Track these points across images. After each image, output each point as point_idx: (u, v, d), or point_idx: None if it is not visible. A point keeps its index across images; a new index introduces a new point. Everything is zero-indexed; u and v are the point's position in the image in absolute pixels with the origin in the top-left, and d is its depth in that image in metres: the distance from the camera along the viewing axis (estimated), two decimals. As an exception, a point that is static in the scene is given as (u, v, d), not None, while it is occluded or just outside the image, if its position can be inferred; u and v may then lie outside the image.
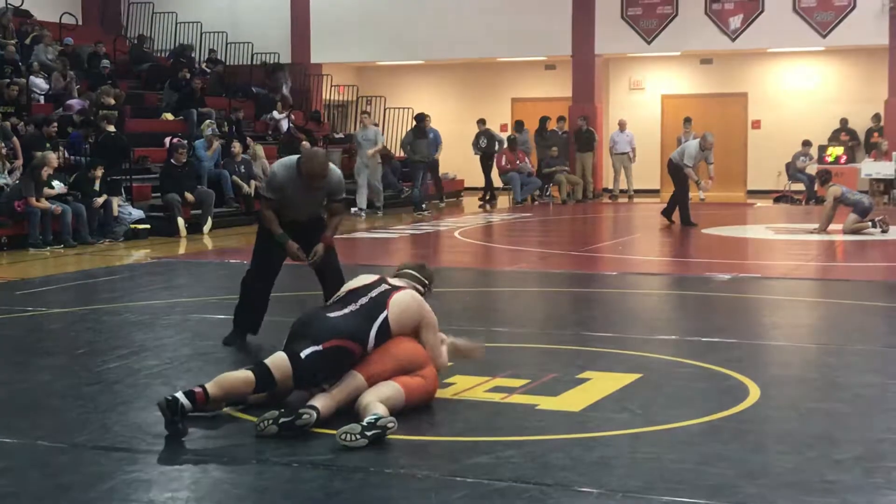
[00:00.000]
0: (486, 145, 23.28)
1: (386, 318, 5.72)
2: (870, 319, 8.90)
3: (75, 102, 18.19)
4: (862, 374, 6.64)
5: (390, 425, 5.06)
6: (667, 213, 17.28)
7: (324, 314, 5.73)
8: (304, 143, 19.46)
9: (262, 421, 5.21)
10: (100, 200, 15.09)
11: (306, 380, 5.53)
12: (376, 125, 22.32)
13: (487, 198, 23.00)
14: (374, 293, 5.86)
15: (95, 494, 4.50)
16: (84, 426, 5.49)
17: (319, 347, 5.48)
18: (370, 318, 5.70)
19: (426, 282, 6.20)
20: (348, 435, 4.98)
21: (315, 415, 5.21)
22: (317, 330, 5.56)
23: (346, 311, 5.72)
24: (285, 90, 23.97)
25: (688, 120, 23.68)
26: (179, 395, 5.29)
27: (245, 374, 5.49)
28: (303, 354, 5.46)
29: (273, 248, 7.41)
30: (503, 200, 22.93)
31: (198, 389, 5.34)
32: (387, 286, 5.92)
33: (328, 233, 7.41)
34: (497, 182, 23.47)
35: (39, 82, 18.92)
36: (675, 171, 17.06)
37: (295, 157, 7.32)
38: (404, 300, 5.88)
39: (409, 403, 5.51)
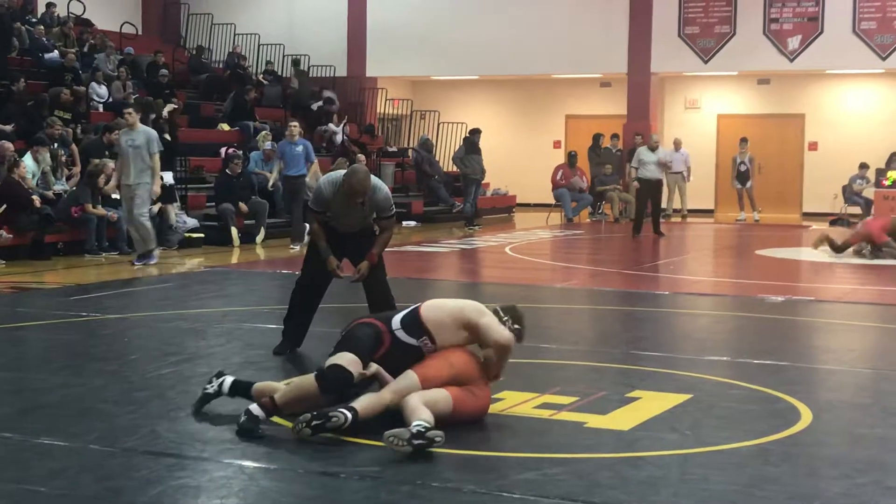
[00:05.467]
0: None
1: (417, 308, 5.85)
2: (925, 345, 8.78)
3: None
4: (916, 400, 6.56)
5: (437, 439, 5.06)
6: (656, 229, 18.73)
7: None
8: (358, 155, 19.54)
9: (297, 424, 5.30)
10: (155, 208, 15.24)
11: (366, 356, 5.64)
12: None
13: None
14: None
15: (145, 499, 4.54)
16: (135, 431, 5.54)
17: (343, 334, 5.87)
18: (403, 309, 5.95)
19: (500, 312, 5.93)
20: (396, 439, 5.01)
21: (349, 416, 5.27)
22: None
23: None
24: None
25: (744, 140, 23.54)
26: (255, 408, 5.48)
27: (310, 381, 5.61)
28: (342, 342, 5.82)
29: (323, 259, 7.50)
30: (554, 217, 22.85)
31: (267, 401, 5.51)
32: None
33: (374, 250, 7.46)
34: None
35: (100, 90, 19.19)
36: (650, 187, 18.78)
37: (342, 172, 7.39)
38: (444, 298, 6.11)
39: (457, 415, 5.51)
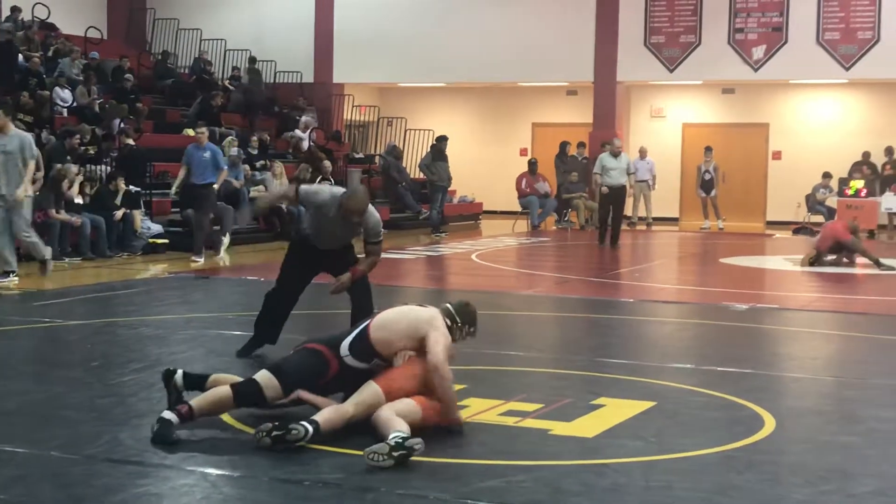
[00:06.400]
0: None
1: (367, 327, 5.81)
2: (888, 353, 8.84)
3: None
4: (879, 407, 6.60)
5: (417, 447, 5.06)
6: (613, 241, 18.55)
7: None
8: (324, 161, 19.53)
9: (258, 432, 5.30)
10: (119, 214, 15.14)
11: (288, 384, 5.63)
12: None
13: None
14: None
15: (106, 507, 4.50)
16: (97, 438, 5.49)
17: (291, 352, 5.86)
18: (355, 329, 5.88)
19: (455, 317, 5.92)
20: (376, 455, 4.99)
21: (309, 429, 5.25)
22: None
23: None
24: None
25: (708, 149, 23.67)
26: (167, 414, 5.47)
27: (226, 391, 5.61)
28: (280, 361, 5.83)
29: (301, 265, 7.64)
30: (521, 225, 22.89)
31: (183, 407, 5.52)
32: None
33: (361, 266, 7.58)
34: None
35: (64, 95, 19.05)
36: (612, 193, 18.54)
37: (342, 190, 7.55)
38: (397, 310, 5.94)
39: (426, 423, 5.50)
